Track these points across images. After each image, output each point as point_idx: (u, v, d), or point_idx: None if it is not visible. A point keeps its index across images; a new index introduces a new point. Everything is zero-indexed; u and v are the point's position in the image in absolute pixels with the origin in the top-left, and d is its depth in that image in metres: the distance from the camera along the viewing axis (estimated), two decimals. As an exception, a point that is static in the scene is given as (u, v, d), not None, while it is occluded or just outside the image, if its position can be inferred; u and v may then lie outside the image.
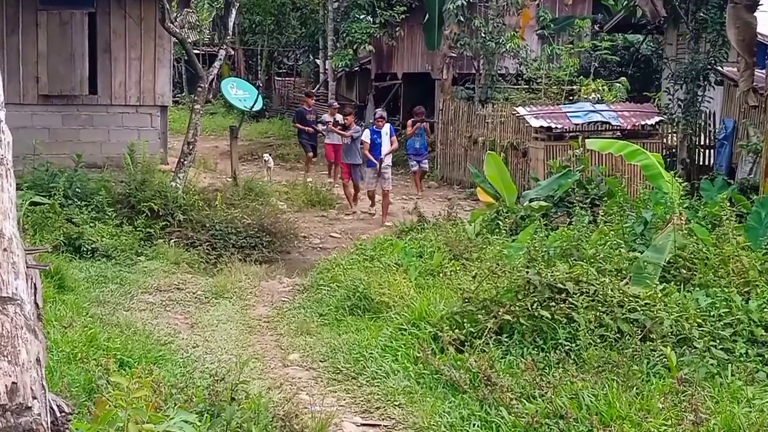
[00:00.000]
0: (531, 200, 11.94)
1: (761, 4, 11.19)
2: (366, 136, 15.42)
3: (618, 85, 20.16)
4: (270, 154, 19.60)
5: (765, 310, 6.28)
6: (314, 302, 9.10)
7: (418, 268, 9.33)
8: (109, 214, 11.60)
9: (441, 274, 8.87)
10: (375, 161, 15.21)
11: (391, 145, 15.62)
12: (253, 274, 10.68)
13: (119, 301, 8.89)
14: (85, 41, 15.42)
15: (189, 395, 4.98)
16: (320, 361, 7.06)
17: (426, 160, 19.25)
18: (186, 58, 31.23)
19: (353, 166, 16.07)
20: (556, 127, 16.45)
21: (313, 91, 29.79)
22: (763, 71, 13.21)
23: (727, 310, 6.34)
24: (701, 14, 16.29)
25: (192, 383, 5.15)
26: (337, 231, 14.12)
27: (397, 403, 5.70)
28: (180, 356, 6.89)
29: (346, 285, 8.86)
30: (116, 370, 5.25)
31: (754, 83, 11.45)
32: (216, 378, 5.16)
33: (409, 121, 18.78)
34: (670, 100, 16.91)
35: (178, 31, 14.13)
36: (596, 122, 16.78)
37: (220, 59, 14.77)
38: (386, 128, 15.78)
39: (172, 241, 11.71)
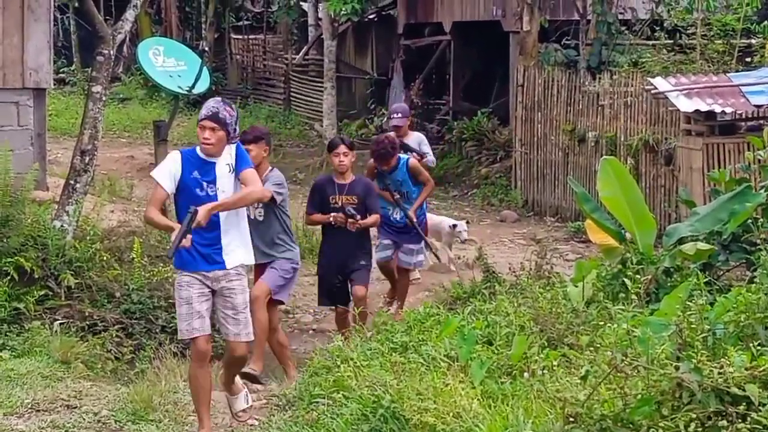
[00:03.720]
0: (681, 240, 11.94)
1: None
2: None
3: (830, 36, 20.17)
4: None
5: None
6: (305, 428, 9.09)
7: (486, 365, 9.33)
8: (-52, 278, 11.72)
9: (526, 374, 8.86)
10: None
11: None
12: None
13: (-35, 430, 8.93)
14: None
15: None
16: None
17: (418, 247, 14.69)
18: (76, 5, 31.57)
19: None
20: (724, 112, 16.48)
21: (297, 57, 30.03)
22: None
23: None
24: None
25: None
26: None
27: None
28: None
29: (361, 395, 8.86)
30: None
31: None
32: None
33: (369, 162, 14.40)
34: None
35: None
36: (793, 102, 16.79)
37: (136, 6, 14.92)
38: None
39: (57, 322, 11.77)
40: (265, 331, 11.66)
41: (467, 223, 17.95)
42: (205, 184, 9.14)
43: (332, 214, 12.43)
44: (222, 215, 9.08)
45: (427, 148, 15.68)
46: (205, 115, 9.16)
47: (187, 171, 9.16)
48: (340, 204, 12.54)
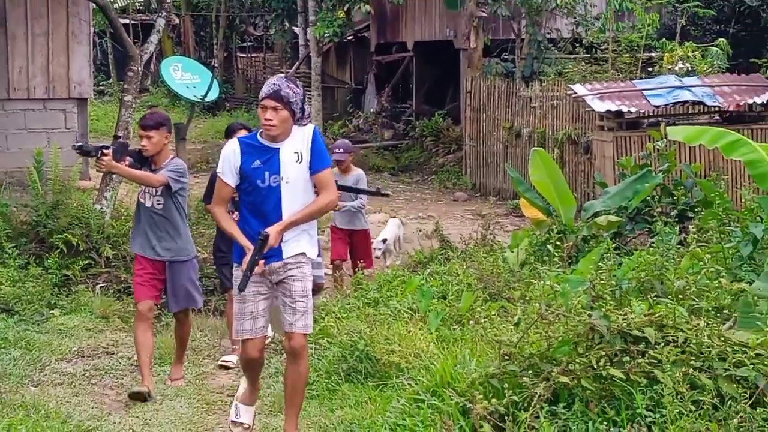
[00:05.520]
0: (596, 214, 11.97)
1: None
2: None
3: (715, 49, 20.24)
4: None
5: None
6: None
7: (441, 315, 9.35)
8: (9, 251, 11.66)
9: (472, 322, 8.87)
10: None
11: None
12: (212, 329, 10.70)
13: (25, 372, 8.91)
14: (-30, 13, 15.52)
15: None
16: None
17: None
18: (111, 31, 31.43)
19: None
20: (629, 112, 16.53)
21: (290, 71, 29.95)
22: None
23: None
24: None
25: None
26: (328, 264, 14.16)
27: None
28: (110, 447, 6.91)
29: (341, 341, 8.88)
30: (20, 469, 5.27)
31: None
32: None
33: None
34: (787, 68, 16.98)
35: (98, -6, 14.25)
36: (685, 103, 16.85)
37: (159, 31, 14.87)
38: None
39: (99, 286, 11.76)
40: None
41: (402, 223, 15.68)
42: (267, 174, 6.82)
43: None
44: (284, 204, 6.80)
45: (363, 185, 12.61)
46: (265, 93, 6.80)
47: (248, 161, 6.85)
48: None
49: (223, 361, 9.72)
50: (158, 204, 8.67)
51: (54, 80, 15.79)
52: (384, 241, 13.74)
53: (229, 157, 6.87)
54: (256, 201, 6.86)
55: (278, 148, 6.78)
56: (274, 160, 6.76)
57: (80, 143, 7.93)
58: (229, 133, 9.68)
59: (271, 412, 8.07)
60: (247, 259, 6.64)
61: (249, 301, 6.85)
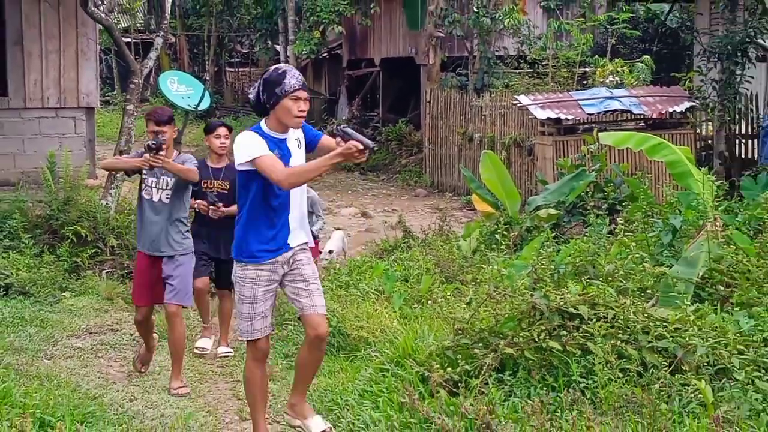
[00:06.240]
0: (538, 208, 12.02)
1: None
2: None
3: (640, 65, 20.35)
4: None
5: (820, 332, 6.32)
6: (278, 340, 9.11)
7: (403, 295, 9.36)
8: (26, 241, 11.57)
9: (430, 302, 8.89)
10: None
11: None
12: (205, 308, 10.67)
13: (39, 347, 8.86)
14: (-10, 32, 15.44)
15: (124, 459, 4.98)
16: (286, 412, 7.06)
17: None
18: (116, 49, 31.23)
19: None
20: (567, 119, 16.59)
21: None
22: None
23: (775, 333, 6.39)
24: (736, -24, 16.48)
25: (127, 445, 5.16)
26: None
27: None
28: (114, 412, 6.88)
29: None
30: (34, 431, 5.24)
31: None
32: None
33: None
34: (702, 81, 17.06)
35: (104, 16, 14.15)
36: (615, 111, 16.93)
37: (157, 48, 14.78)
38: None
39: (104, 271, 11.69)
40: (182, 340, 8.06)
41: (348, 236, 14.84)
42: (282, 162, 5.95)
43: (197, 201, 8.76)
44: (294, 194, 5.99)
45: (317, 205, 10.87)
46: (299, 84, 5.88)
47: (270, 150, 5.90)
48: (213, 188, 8.98)
49: (197, 348, 9.07)
50: (166, 198, 7.77)
51: (65, 91, 15.73)
52: (330, 252, 12.89)
53: (257, 139, 5.84)
54: (267, 191, 5.91)
55: (285, 138, 5.98)
56: (285, 150, 5.97)
57: (154, 141, 7.38)
58: (209, 129, 9.18)
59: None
60: (352, 143, 5.55)
61: (260, 302, 6.00)
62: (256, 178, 5.84)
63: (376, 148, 5.44)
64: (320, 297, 6.07)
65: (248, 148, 5.79)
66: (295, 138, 6.02)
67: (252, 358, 6.15)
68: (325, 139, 6.13)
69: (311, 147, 6.13)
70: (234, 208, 7.95)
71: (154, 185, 7.79)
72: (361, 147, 5.50)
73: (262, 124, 5.94)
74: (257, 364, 6.17)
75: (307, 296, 6.02)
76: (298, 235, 6.08)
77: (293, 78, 5.84)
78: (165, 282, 7.82)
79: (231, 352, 8.76)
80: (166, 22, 15.50)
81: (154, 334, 8.36)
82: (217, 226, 8.80)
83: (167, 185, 7.74)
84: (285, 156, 5.88)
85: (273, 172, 5.70)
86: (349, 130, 5.62)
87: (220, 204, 8.82)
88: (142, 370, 8.24)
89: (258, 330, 6.02)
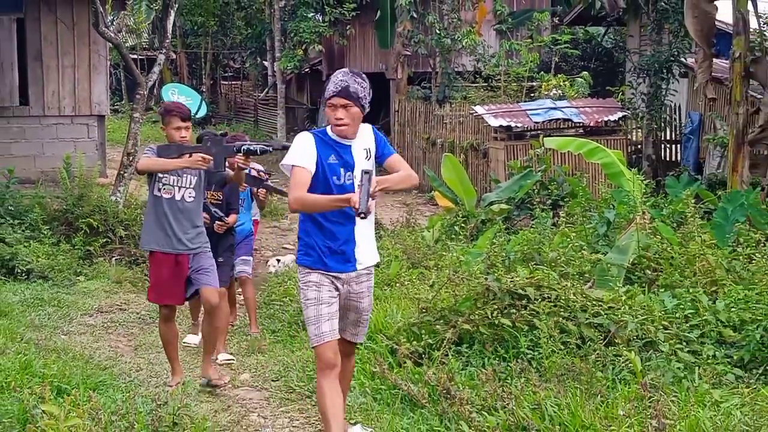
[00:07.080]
0: (491, 203, 12.05)
1: (721, -8, 11.40)
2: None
3: (580, 80, 20.40)
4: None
5: (733, 310, 6.38)
6: (266, 318, 9.09)
7: (375, 279, 9.35)
8: (45, 232, 11.48)
9: (398, 284, 8.90)
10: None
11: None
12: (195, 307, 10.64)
13: (57, 324, 8.80)
14: (14, 49, 15.36)
15: (130, 422, 4.96)
16: (272, 380, 7.05)
17: (246, 259, 8.82)
18: (123, 64, 31.05)
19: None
20: (516, 126, 16.61)
21: (261, 95, 29.74)
22: (727, 61, 13.46)
23: (694, 311, 6.44)
24: (662, 4, 16.58)
25: (134, 409, 5.12)
26: (290, 242, 14.10)
27: (353, 421, 5.71)
28: (122, 381, 6.84)
29: (300, 299, 8.83)
30: (52, 398, 5.20)
31: (714, 74, 11.65)
32: (158, 403, 5.15)
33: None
34: (633, 94, 17.18)
35: (113, 35, 14.04)
36: (558, 119, 16.98)
37: (160, 64, 14.69)
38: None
39: (114, 258, 11.62)
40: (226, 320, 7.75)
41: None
42: (342, 171, 4.98)
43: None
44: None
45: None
46: (334, 91, 4.92)
47: (324, 155, 4.96)
48: (206, 198, 7.49)
49: (185, 343, 8.28)
50: (189, 197, 6.66)
51: (79, 101, 15.65)
52: (278, 260, 12.06)
53: (306, 146, 4.94)
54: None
55: (350, 145, 5.00)
56: (348, 158, 4.99)
57: (248, 146, 6.26)
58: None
59: (246, 353, 8.02)
60: (357, 194, 4.62)
61: (325, 303, 4.99)
62: (314, 183, 4.94)
63: (363, 217, 4.60)
64: (365, 328, 5.38)
65: (292, 152, 4.96)
66: (364, 147, 5.06)
67: (318, 370, 5.02)
68: (393, 160, 5.15)
69: (379, 162, 5.16)
70: (234, 217, 7.85)
71: (175, 183, 6.66)
72: (358, 203, 4.58)
73: (329, 127, 5.03)
74: (324, 375, 4.96)
75: (354, 324, 5.29)
76: (369, 254, 5.17)
77: (331, 84, 4.96)
78: (197, 272, 6.71)
79: (233, 360, 7.73)
80: (167, 41, 15.42)
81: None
82: (214, 230, 7.73)
83: (190, 183, 6.68)
84: (347, 164, 4.98)
85: (292, 187, 4.87)
86: (365, 187, 4.61)
87: (227, 219, 7.81)
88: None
89: (326, 332, 4.96)
